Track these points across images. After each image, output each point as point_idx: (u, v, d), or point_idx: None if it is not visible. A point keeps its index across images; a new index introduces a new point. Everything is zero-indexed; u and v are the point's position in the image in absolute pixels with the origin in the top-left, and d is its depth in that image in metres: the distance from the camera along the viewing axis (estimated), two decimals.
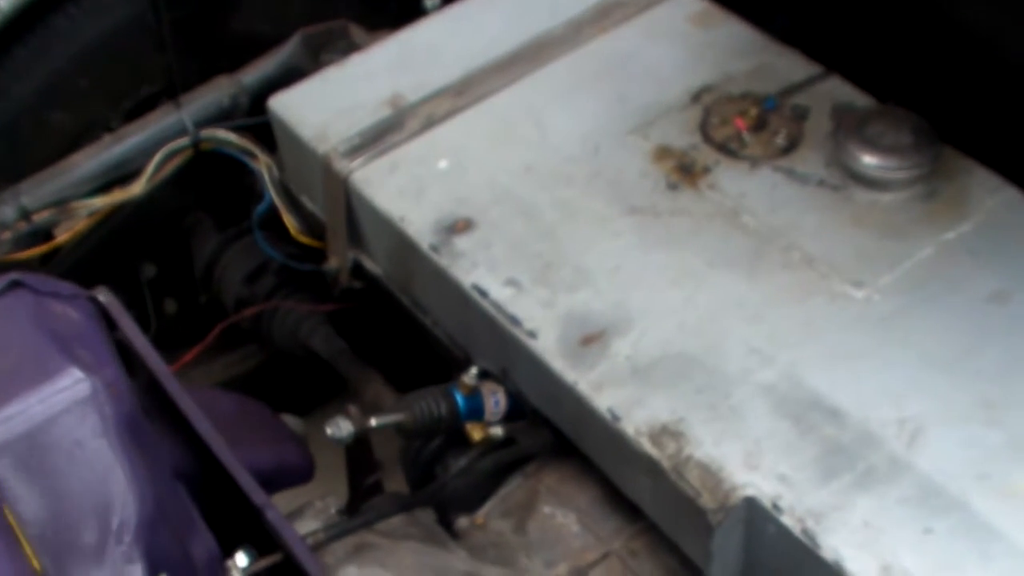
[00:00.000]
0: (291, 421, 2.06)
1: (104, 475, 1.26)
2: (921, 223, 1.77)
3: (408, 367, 2.14)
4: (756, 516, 1.50)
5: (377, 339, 2.30)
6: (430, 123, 2.00)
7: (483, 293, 1.74)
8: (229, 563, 1.48)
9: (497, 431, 1.79)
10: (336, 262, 2.05)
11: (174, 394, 1.63)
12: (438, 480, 1.80)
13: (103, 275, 2.35)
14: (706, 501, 1.50)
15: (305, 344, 2.31)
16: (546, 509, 1.80)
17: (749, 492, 1.50)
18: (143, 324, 2.49)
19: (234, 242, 2.43)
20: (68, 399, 1.26)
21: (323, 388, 2.55)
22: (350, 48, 2.27)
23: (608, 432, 1.61)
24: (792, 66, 2.01)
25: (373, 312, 2.17)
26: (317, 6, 2.47)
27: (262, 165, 2.18)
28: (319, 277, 2.16)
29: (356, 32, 2.30)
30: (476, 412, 1.79)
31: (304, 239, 2.17)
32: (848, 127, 1.85)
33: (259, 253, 2.32)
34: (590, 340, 1.68)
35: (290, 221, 2.17)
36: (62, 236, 2.24)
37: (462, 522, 1.83)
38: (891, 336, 1.65)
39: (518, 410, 1.82)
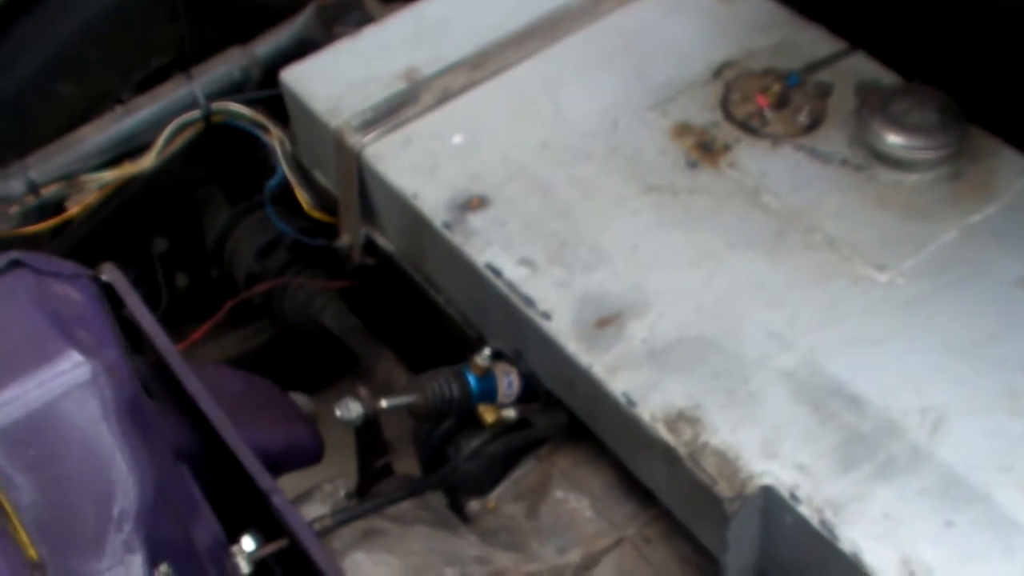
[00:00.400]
0: (301, 400, 2.03)
1: (104, 461, 1.23)
2: (946, 205, 1.73)
3: (422, 345, 2.11)
4: (773, 505, 1.47)
5: (391, 316, 2.27)
6: (445, 97, 1.96)
7: (497, 272, 1.71)
8: (234, 548, 1.44)
9: (510, 413, 1.76)
10: (348, 238, 2.01)
11: (180, 374, 1.60)
12: (449, 464, 1.76)
13: (113, 249, 2.34)
14: (722, 489, 1.47)
15: (317, 320, 2.28)
16: (559, 493, 1.76)
17: (766, 481, 1.46)
18: (154, 299, 2.48)
19: (246, 216, 2.40)
20: (68, 383, 1.22)
21: (336, 364, 2.52)
22: (364, 20, 2.22)
23: (623, 417, 1.57)
24: (816, 42, 1.97)
25: (387, 289, 2.14)
26: None
27: (274, 138, 2.14)
28: (332, 252, 2.12)
29: (371, 3, 2.26)
30: (489, 394, 1.76)
31: (316, 214, 2.13)
32: (872, 105, 1.81)
33: (271, 228, 2.29)
34: (606, 322, 1.64)
35: (302, 196, 2.13)
36: (73, 209, 2.20)
37: (473, 506, 1.80)
38: (914, 321, 1.60)
39: (532, 392, 1.79)
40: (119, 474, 1.22)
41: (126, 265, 2.44)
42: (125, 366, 1.27)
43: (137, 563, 1.21)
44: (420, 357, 2.12)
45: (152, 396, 1.57)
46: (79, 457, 1.22)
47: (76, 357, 1.23)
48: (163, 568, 1.24)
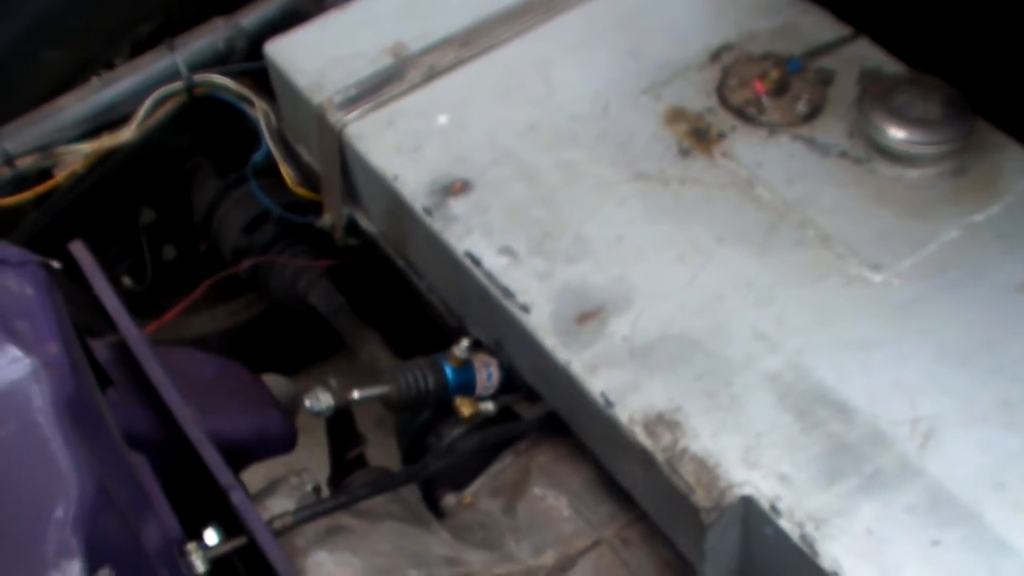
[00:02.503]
0: (280, 383, 1.98)
1: (42, 462, 1.17)
2: (948, 203, 1.66)
3: (410, 326, 2.05)
4: (753, 517, 1.41)
5: (379, 296, 2.21)
6: (432, 75, 1.89)
7: (476, 261, 1.64)
8: (189, 547, 1.39)
9: (488, 406, 1.70)
10: (331, 218, 1.96)
11: (144, 362, 1.54)
12: (421, 460, 1.70)
13: (98, 220, 2.29)
14: (700, 499, 1.41)
15: (303, 299, 2.22)
16: (537, 490, 1.71)
17: (746, 491, 1.40)
18: (139, 271, 2.42)
19: (234, 189, 2.34)
20: (4, 380, 1.16)
21: (327, 340, 2.47)
22: None
23: (601, 417, 1.51)
24: (819, 26, 1.89)
25: (374, 269, 2.08)
26: None
27: (259, 112, 2.08)
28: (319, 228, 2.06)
29: None
30: (467, 386, 1.70)
31: (301, 191, 2.07)
32: (874, 95, 1.73)
33: (259, 202, 2.22)
34: (586, 317, 1.57)
35: (287, 172, 2.07)
36: (53, 179, 2.14)
37: (449, 500, 1.75)
38: (909, 325, 1.53)
39: (512, 383, 1.72)
40: (57, 475, 1.17)
41: (110, 237, 2.41)
42: (67, 361, 1.21)
43: (75, 568, 1.15)
44: (408, 338, 2.06)
45: (113, 383, 1.52)
46: (15, 457, 1.16)
47: (14, 352, 1.17)
48: (104, 572, 1.18)
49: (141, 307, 2.43)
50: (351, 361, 2.21)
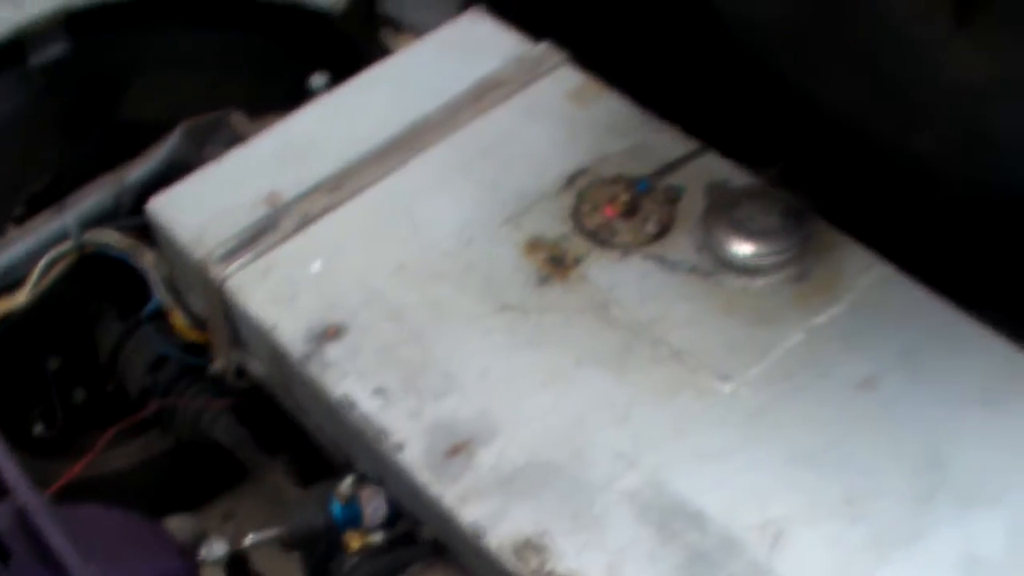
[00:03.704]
0: (185, 523, 2.04)
1: None
2: (792, 308, 1.76)
3: (314, 451, 2.13)
4: None
5: (283, 424, 2.28)
6: (305, 222, 1.98)
7: (351, 405, 1.73)
8: None
9: (375, 539, 1.78)
10: (221, 364, 2.04)
11: (44, 530, 1.61)
12: None
13: (3, 374, 2.36)
14: None
15: (208, 435, 2.29)
16: None
17: None
18: (50, 416, 2.49)
19: (136, 331, 2.41)
20: None
21: (236, 470, 2.54)
22: (233, 139, 2.24)
23: (473, 546, 1.59)
24: (668, 143, 2.00)
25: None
26: (207, 90, 2.45)
27: (148, 264, 2.16)
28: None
29: (239, 121, 2.28)
30: (354, 520, 1.78)
31: (194, 336, 2.15)
32: (718, 210, 1.84)
33: (161, 341, 2.30)
34: (456, 450, 1.66)
35: (179, 319, 2.15)
36: None
37: None
38: (758, 432, 1.64)
39: (400, 513, 1.81)
40: None
41: (18, 387, 2.48)
42: None
43: None
44: (315, 462, 2.14)
45: (11, 554, 1.59)
46: None
47: None
48: None
49: (56, 449, 2.50)
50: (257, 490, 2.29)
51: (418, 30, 2.41)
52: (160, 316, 2.26)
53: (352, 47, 2.52)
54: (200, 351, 2.23)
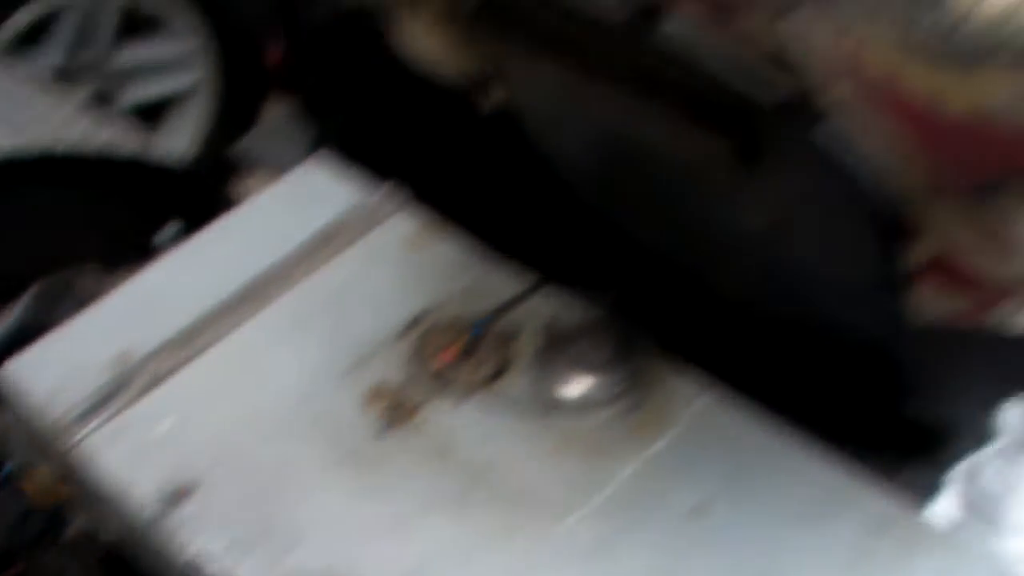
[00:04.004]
0: None
1: None
2: (625, 441, 1.83)
3: None
4: None
5: None
6: (155, 381, 2.01)
7: (198, 569, 1.76)
8: None
9: None
10: (75, 530, 2.06)
11: None
12: None
13: None
14: None
15: None
16: None
17: None
18: None
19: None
20: None
21: None
22: (85, 297, 2.28)
23: None
24: (504, 282, 2.06)
25: None
26: (61, 244, 2.49)
27: (2, 429, 2.18)
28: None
29: (92, 278, 2.32)
30: None
31: (52, 498, 2.17)
32: (551, 348, 1.92)
33: (21, 502, 2.32)
34: None
35: (35, 482, 2.17)
36: None
37: None
38: (596, 567, 1.70)
39: None
40: None
41: None
42: None
43: None
44: None
45: None
46: None
47: None
48: None
49: None
50: None
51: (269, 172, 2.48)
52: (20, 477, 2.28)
53: (204, 197, 2.58)
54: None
